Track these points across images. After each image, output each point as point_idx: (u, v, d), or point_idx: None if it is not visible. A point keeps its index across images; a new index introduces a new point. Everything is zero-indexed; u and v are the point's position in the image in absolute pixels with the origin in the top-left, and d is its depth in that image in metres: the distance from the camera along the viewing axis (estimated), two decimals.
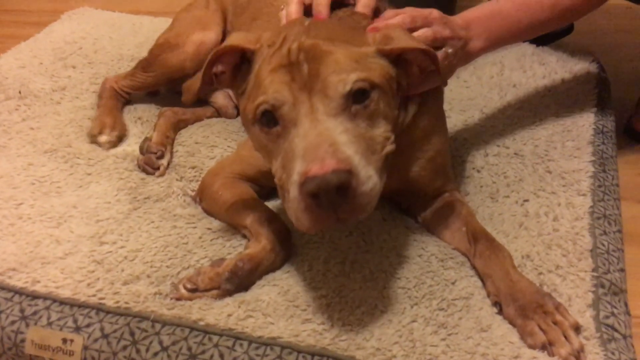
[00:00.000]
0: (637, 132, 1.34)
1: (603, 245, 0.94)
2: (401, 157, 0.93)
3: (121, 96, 1.32)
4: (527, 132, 1.20)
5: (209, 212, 1.04)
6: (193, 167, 1.16)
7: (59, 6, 2.10)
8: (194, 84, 0.80)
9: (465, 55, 0.94)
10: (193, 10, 1.35)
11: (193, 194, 1.09)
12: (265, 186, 1.03)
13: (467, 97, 1.33)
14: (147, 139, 1.19)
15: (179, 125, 1.28)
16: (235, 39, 0.84)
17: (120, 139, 1.23)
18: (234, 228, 1.00)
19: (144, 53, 1.46)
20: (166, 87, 1.35)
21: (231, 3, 1.31)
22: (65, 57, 1.51)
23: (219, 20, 1.29)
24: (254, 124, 0.79)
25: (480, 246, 0.91)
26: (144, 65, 1.30)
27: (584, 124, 1.20)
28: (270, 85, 0.76)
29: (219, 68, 0.83)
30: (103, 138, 1.21)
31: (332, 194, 0.69)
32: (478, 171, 1.13)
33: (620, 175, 1.19)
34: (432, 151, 0.98)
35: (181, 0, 2.15)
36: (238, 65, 0.84)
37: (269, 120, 0.76)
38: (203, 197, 1.05)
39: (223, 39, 1.27)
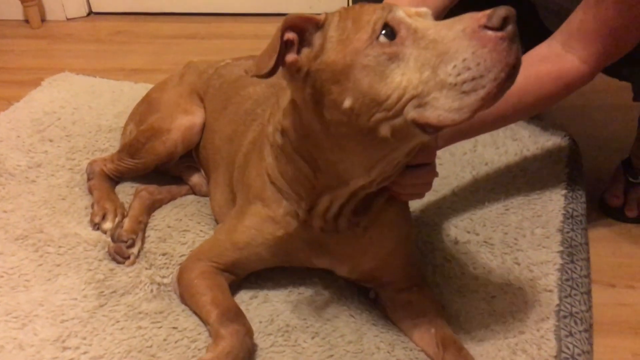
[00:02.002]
0: (612, 208, 1.34)
1: (568, 349, 0.94)
2: (362, 244, 0.96)
3: (111, 178, 1.33)
4: (497, 217, 1.20)
5: (183, 300, 1.05)
6: (164, 254, 1.16)
7: (43, 62, 2.13)
8: (260, 60, 0.77)
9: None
10: (169, 90, 1.35)
11: (165, 280, 1.09)
12: (240, 274, 1.06)
13: (440, 176, 1.32)
14: (118, 226, 1.19)
15: (153, 206, 1.28)
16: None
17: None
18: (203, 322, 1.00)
19: (121, 124, 1.48)
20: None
21: (203, 85, 1.32)
22: (43, 130, 1.52)
23: (198, 101, 1.31)
24: (371, 45, 0.73)
25: (449, 355, 0.91)
26: (131, 152, 1.29)
27: (553, 209, 1.21)
28: (375, 10, 0.75)
29: (289, 36, 0.79)
30: (107, 225, 1.22)
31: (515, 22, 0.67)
32: (448, 260, 1.13)
33: (592, 254, 1.20)
34: (395, 242, 0.99)
35: (163, 56, 2.19)
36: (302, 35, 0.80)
37: (388, 34, 0.73)
38: (180, 283, 1.05)
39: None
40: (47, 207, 1.27)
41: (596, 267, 1.20)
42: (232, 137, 1.17)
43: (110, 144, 1.48)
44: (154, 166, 1.30)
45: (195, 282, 1.01)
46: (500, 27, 0.67)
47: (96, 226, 1.22)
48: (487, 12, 0.67)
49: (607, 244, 1.28)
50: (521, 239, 1.14)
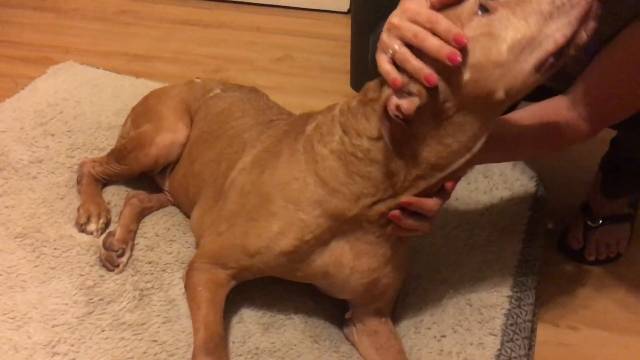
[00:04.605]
0: (572, 251, 1.43)
1: None
2: (377, 256, 1.03)
3: (99, 180, 1.42)
4: (459, 256, 1.31)
5: (186, 296, 1.12)
6: (150, 262, 1.27)
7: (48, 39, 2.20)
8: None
9: None
10: (166, 102, 1.42)
11: (148, 285, 1.20)
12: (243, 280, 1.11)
13: None
14: (110, 234, 1.28)
15: (143, 214, 1.38)
16: None
17: (107, 225, 1.33)
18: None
19: (121, 121, 1.56)
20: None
21: (193, 113, 1.39)
22: (46, 123, 1.61)
23: (187, 119, 1.38)
24: (471, 21, 0.82)
25: None
26: (118, 157, 1.38)
27: (510, 252, 1.31)
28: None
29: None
30: (91, 227, 1.31)
31: None
32: (409, 294, 1.23)
33: (543, 291, 1.31)
34: (400, 264, 1.08)
35: (166, 42, 2.25)
36: None
37: (484, 10, 0.82)
38: (187, 284, 1.11)
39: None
40: (46, 206, 1.37)
41: (544, 305, 1.32)
42: (219, 159, 1.22)
43: (108, 143, 1.57)
44: (138, 173, 1.39)
45: (199, 289, 1.07)
46: None
47: (81, 227, 1.32)
48: None
49: (559, 283, 1.39)
50: (477, 280, 1.25)
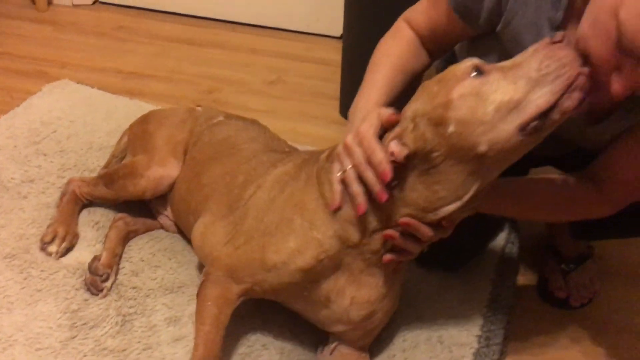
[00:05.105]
0: (560, 300, 1.45)
1: None
2: (378, 287, 1.09)
3: (81, 200, 1.45)
4: (434, 293, 1.36)
5: (196, 308, 1.15)
6: (134, 287, 1.31)
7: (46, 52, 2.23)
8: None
9: None
10: (164, 129, 1.43)
11: (131, 310, 1.24)
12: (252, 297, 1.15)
13: None
14: (96, 258, 1.32)
15: (129, 237, 1.42)
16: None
17: (68, 250, 1.37)
18: None
19: (113, 142, 1.61)
20: None
21: (195, 136, 1.41)
22: (39, 142, 1.65)
23: (179, 154, 1.40)
24: (464, 80, 0.91)
25: None
26: (107, 181, 1.41)
27: (481, 291, 1.36)
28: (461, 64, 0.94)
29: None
30: (52, 248, 1.35)
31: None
32: (384, 329, 1.28)
33: (518, 327, 1.37)
34: (394, 297, 1.15)
35: (160, 60, 2.29)
36: None
37: (478, 73, 0.90)
38: (199, 295, 1.14)
39: None
40: (35, 227, 1.41)
41: (514, 342, 1.36)
42: (234, 172, 1.25)
43: (98, 164, 1.61)
44: (123, 200, 1.42)
45: (208, 304, 1.11)
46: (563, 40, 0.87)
47: (43, 245, 1.35)
48: (548, 37, 0.89)
49: (530, 320, 1.44)
50: (450, 318, 1.30)
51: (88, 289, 1.29)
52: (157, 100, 1.99)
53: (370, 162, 0.94)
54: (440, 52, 1.21)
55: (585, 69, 0.86)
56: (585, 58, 0.86)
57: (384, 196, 0.94)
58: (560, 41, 0.87)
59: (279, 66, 2.31)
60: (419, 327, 1.28)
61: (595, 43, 0.84)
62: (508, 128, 0.88)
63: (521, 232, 1.55)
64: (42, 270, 1.31)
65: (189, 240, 1.40)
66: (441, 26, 1.13)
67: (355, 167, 0.97)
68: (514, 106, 0.87)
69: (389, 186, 0.95)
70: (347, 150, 0.98)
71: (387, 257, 1.04)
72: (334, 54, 2.32)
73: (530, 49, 0.89)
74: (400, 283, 1.16)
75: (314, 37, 2.49)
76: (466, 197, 0.95)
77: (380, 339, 1.26)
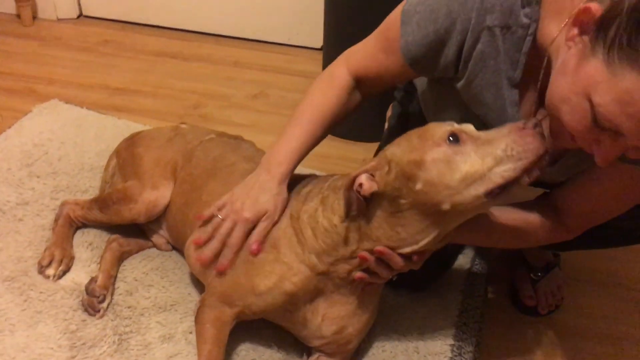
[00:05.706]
0: (528, 308, 1.55)
1: None
2: (347, 306, 1.20)
3: (75, 223, 1.52)
4: (408, 304, 1.45)
5: (195, 331, 1.25)
6: (129, 307, 1.39)
7: (32, 69, 2.28)
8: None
9: None
10: (152, 151, 1.48)
11: (127, 329, 1.32)
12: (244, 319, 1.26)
13: None
14: (92, 280, 1.39)
15: (122, 257, 1.49)
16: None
17: (65, 272, 1.43)
18: None
19: (103, 162, 1.67)
20: None
21: (187, 153, 1.45)
22: (32, 164, 1.71)
23: (170, 174, 1.45)
24: (440, 145, 1.00)
25: None
26: (101, 206, 1.47)
27: (452, 302, 1.45)
28: (440, 126, 1.04)
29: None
30: (50, 272, 1.41)
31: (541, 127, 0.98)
32: (364, 340, 1.37)
33: (490, 335, 1.46)
34: (368, 316, 1.26)
35: (146, 75, 2.34)
36: None
37: (453, 140, 1.00)
38: (197, 319, 1.24)
39: None
40: (32, 249, 1.48)
41: (487, 349, 1.46)
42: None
43: (90, 184, 1.67)
44: (117, 225, 1.49)
45: (207, 326, 1.22)
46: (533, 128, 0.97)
47: (41, 268, 1.42)
48: (523, 121, 0.99)
49: (503, 328, 1.54)
50: (424, 328, 1.39)
51: (86, 310, 1.36)
52: (144, 117, 2.06)
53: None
54: (378, 93, 1.27)
55: (546, 150, 0.96)
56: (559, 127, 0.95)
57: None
58: (532, 127, 0.97)
59: (262, 79, 2.38)
60: (396, 339, 1.38)
61: (570, 119, 0.91)
62: (472, 193, 0.98)
63: None
64: (41, 292, 1.38)
65: (180, 257, 1.49)
66: (390, 72, 1.17)
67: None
68: (479, 177, 0.97)
69: (348, 215, 1.07)
70: (235, 215, 1.22)
71: (359, 274, 1.15)
72: (315, 65, 2.40)
73: (506, 129, 0.99)
74: (376, 302, 1.26)
75: (295, 49, 2.57)
76: (423, 242, 1.07)
77: (360, 350, 1.35)
